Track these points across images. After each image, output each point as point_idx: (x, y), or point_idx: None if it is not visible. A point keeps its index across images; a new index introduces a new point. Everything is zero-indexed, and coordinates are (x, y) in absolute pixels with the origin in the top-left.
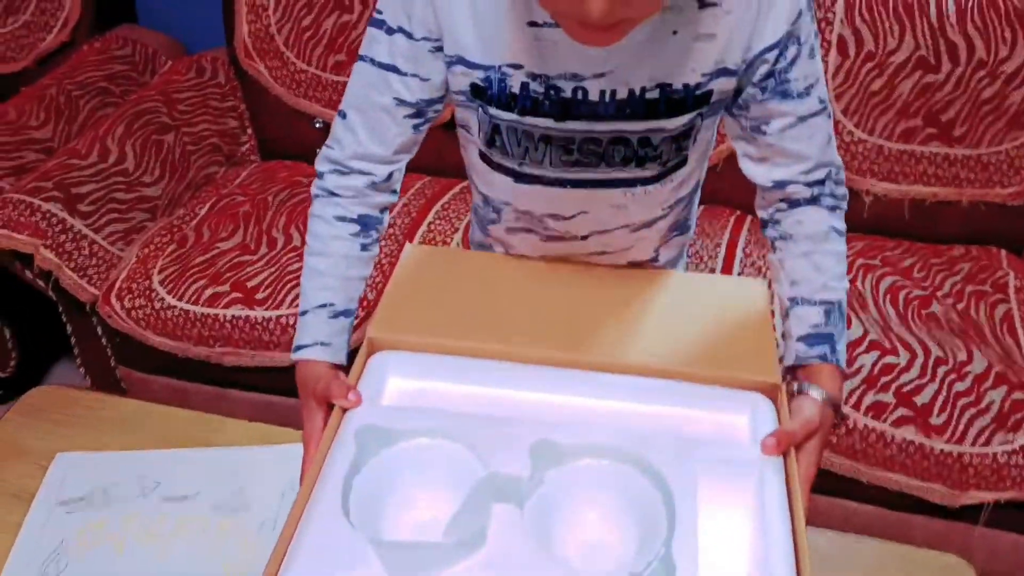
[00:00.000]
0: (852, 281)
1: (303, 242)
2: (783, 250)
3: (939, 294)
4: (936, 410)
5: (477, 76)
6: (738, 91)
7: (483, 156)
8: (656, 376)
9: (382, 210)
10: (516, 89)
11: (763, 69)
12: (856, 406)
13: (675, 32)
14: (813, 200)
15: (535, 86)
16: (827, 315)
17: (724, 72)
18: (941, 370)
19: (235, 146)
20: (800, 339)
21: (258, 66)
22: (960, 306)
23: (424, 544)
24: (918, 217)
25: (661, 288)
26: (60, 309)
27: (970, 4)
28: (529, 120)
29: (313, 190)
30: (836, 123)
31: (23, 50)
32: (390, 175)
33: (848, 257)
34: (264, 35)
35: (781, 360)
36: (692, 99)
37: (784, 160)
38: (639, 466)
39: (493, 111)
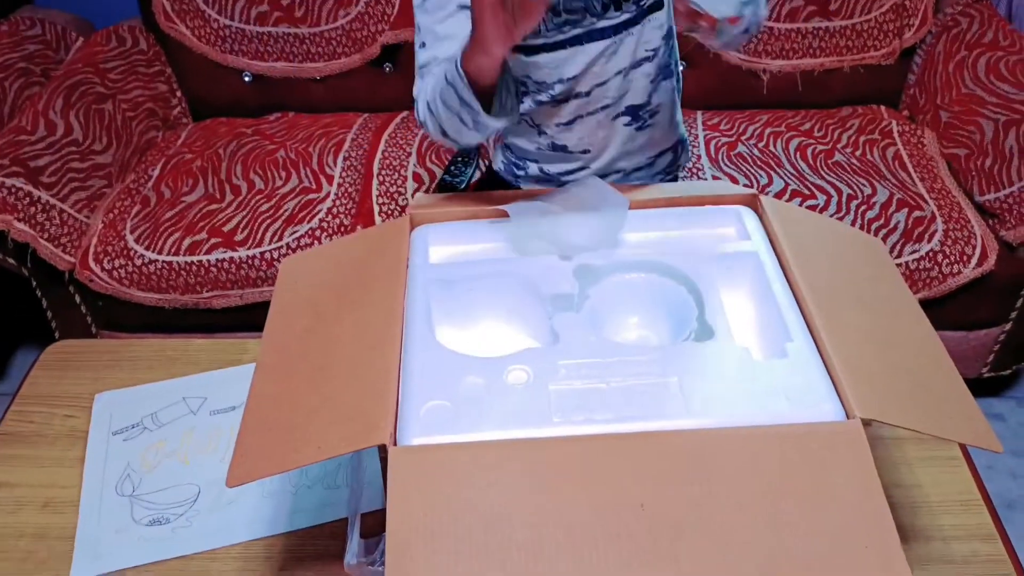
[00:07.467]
0: (765, 147)
1: (267, 184)
2: None
3: (839, 146)
4: None
5: None
6: None
7: None
8: (656, 206)
9: None
10: None
11: None
12: None
13: None
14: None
15: None
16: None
17: None
18: (854, 204)
19: (168, 109)
20: None
21: (179, 28)
22: (858, 153)
23: None
24: (809, 87)
25: None
26: (34, 284)
27: None
28: None
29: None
30: None
31: None
32: None
33: (756, 127)
34: None
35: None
36: None
37: None
38: (664, 272)
39: None
